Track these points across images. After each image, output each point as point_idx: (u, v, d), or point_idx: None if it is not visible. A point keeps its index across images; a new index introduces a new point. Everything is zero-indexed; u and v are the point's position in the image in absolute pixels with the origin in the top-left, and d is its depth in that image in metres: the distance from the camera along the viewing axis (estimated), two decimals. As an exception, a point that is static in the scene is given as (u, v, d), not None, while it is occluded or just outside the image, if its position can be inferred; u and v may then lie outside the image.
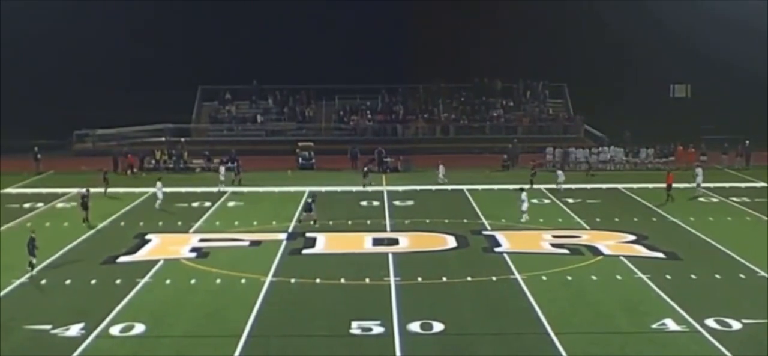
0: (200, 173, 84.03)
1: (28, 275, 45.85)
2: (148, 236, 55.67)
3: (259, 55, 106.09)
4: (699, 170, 73.49)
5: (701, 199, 69.45)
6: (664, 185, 68.92)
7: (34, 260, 46.55)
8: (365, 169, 71.34)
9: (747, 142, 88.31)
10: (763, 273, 46.41)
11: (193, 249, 52.37)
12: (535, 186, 72.27)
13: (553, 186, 72.34)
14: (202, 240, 54.94)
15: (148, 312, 40.06)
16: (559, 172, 75.75)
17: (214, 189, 73.05)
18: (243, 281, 45.33)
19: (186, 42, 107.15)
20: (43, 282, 45.33)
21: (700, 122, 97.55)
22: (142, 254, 51.12)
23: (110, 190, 71.53)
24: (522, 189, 64.37)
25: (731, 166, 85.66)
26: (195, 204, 67.49)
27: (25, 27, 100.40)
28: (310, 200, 62.58)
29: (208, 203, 67.51)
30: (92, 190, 63.30)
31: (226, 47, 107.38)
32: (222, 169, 76.83)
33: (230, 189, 73.76)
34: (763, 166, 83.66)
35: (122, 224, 60.31)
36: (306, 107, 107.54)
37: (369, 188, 63.16)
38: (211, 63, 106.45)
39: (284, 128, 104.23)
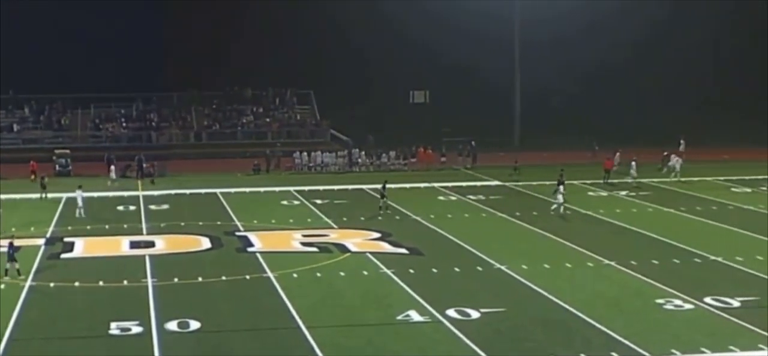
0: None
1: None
2: None
3: (15, 65, 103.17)
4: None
5: (440, 198, 70.73)
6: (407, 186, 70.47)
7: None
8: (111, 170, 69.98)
9: (473, 142, 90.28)
10: (498, 265, 47.50)
11: (-50, 256, 50.47)
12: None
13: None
14: (-41, 247, 52.95)
15: None
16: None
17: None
18: (2, 286, 43.89)
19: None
20: None
21: (439, 126, 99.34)
22: None
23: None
24: (560, 183, 65.09)
25: (465, 166, 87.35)
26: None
27: None
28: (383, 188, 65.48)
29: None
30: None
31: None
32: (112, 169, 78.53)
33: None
34: (492, 166, 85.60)
35: None
36: (62, 116, 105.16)
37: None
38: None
39: (41, 136, 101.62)
